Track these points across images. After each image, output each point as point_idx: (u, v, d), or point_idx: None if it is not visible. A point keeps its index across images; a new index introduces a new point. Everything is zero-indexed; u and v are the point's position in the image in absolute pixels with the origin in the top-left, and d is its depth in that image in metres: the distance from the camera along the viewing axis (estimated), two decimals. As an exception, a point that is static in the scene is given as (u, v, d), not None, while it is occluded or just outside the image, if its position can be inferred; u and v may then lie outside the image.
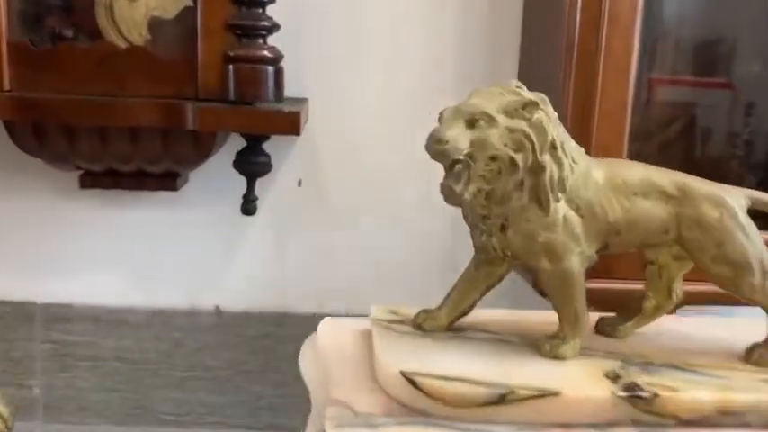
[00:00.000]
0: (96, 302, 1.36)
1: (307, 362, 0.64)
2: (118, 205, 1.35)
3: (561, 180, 0.58)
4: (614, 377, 0.57)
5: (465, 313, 0.65)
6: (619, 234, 0.61)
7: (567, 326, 0.61)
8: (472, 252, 0.64)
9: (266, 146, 1.21)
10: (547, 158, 0.58)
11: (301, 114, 1.17)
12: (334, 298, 1.30)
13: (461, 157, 0.56)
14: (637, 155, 1.07)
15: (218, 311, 1.36)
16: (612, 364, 0.60)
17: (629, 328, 0.66)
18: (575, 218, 0.59)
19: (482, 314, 0.68)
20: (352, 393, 0.56)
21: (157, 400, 1.39)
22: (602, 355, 0.62)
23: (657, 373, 0.59)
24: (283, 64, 1.18)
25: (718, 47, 1.14)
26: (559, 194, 0.59)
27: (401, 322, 0.65)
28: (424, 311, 0.65)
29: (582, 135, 0.97)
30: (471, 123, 0.56)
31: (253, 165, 1.24)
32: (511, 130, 0.56)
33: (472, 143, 0.56)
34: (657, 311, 0.66)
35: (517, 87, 0.58)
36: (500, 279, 0.64)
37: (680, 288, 0.66)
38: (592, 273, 0.61)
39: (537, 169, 0.58)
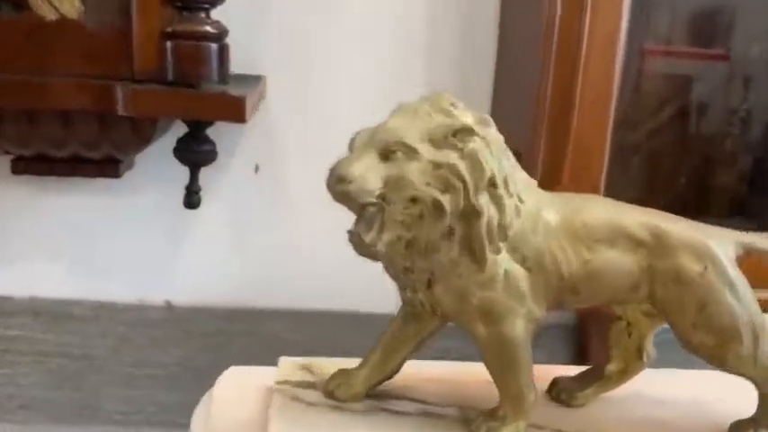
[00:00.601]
0: (37, 295, 1.28)
1: (196, 425, 0.52)
2: (57, 192, 1.26)
3: (502, 226, 0.46)
4: (561, 475, 0.46)
5: (389, 376, 0.53)
6: (576, 292, 0.49)
7: (508, 405, 0.49)
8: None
9: (219, 127, 1.10)
10: (483, 200, 0.45)
11: (249, 98, 1.05)
12: (292, 294, 1.22)
13: (373, 200, 0.43)
14: (623, 140, 0.98)
15: (168, 306, 1.28)
16: (562, 453, 0.48)
17: (590, 395, 0.55)
18: (519, 272, 0.47)
19: (416, 371, 0.56)
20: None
21: (105, 398, 1.33)
22: (552, 435, 0.50)
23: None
24: (236, 36, 1.05)
25: (715, 17, 1.06)
26: (500, 244, 0.46)
27: (311, 386, 0.53)
28: (340, 374, 0.54)
29: (561, 119, 0.89)
30: (386, 155, 0.44)
31: (195, 153, 1.12)
32: (436, 165, 0.44)
33: (386, 181, 0.44)
34: (624, 376, 0.55)
35: (450, 105, 0.45)
36: (431, 335, 0.52)
37: (651, 348, 0.54)
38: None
39: (470, 214, 0.45)
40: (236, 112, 1.04)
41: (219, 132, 1.13)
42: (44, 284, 1.28)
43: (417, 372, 0.56)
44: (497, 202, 0.46)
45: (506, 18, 1.08)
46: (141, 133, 1.11)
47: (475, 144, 0.45)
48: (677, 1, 1.05)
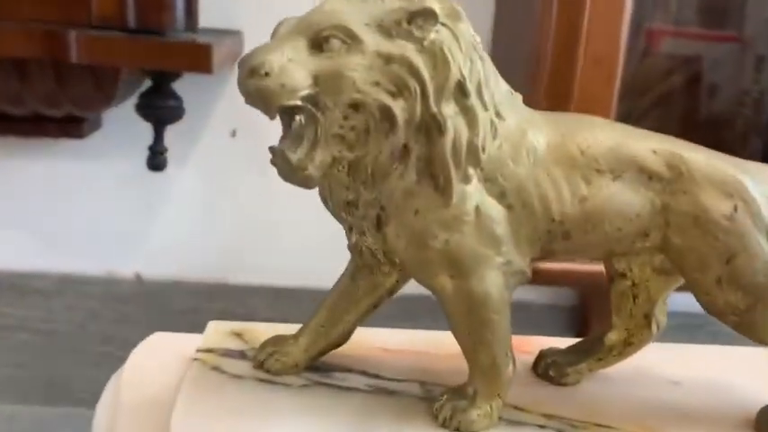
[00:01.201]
0: None
1: (101, 412, 0.42)
2: (17, 156, 1.19)
3: (473, 147, 0.35)
4: (544, 470, 0.35)
5: (335, 345, 0.43)
6: (568, 237, 0.38)
7: (480, 379, 0.38)
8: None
9: (192, 88, 1.02)
10: (449, 110, 0.34)
11: (217, 47, 0.96)
12: (272, 269, 1.14)
13: (298, 103, 0.33)
14: (628, 112, 0.91)
15: (138, 279, 1.22)
16: (546, 442, 0.37)
17: (584, 371, 0.44)
18: (496, 210, 0.36)
19: (369, 340, 0.45)
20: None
21: (71, 377, 1.26)
22: (537, 422, 0.39)
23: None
24: None
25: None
26: (470, 170, 0.36)
27: (241, 355, 0.43)
28: (274, 341, 0.43)
29: (562, 82, 0.82)
30: (318, 44, 0.33)
31: (159, 109, 1.04)
32: (386, 59, 0.33)
33: (318, 79, 0.33)
34: (627, 349, 0.44)
35: None
36: (390, 294, 0.42)
37: (663, 314, 0.43)
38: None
39: (430, 127, 0.35)
40: (202, 61, 0.96)
41: (193, 93, 1.06)
42: (5, 255, 1.22)
43: (370, 341, 0.45)
44: (467, 114, 0.35)
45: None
46: (103, 88, 1.03)
47: (439, 35, 0.34)
48: None
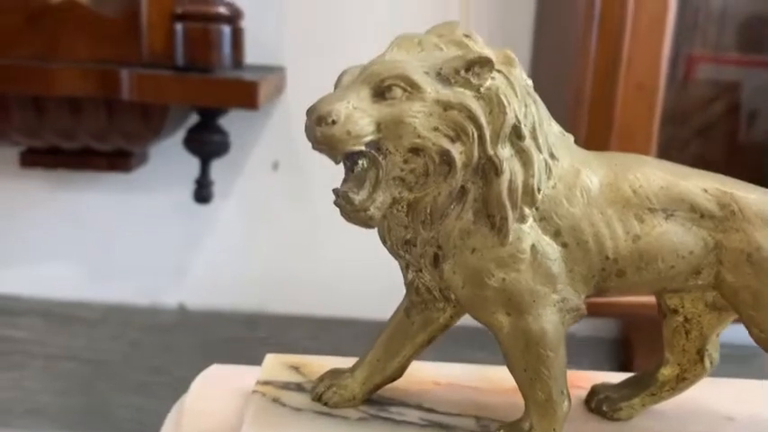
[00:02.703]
0: (45, 295, 1.26)
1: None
2: (66, 188, 1.23)
3: (528, 187, 0.36)
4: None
5: (392, 379, 0.44)
6: (622, 275, 0.39)
7: (536, 415, 0.39)
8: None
9: (237, 121, 1.05)
10: (505, 153, 0.36)
11: (262, 84, 0.98)
12: (314, 298, 1.16)
13: (363, 149, 0.34)
14: (669, 140, 0.91)
15: (182, 309, 1.24)
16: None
17: (637, 406, 0.44)
18: (551, 248, 0.37)
19: (423, 374, 0.46)
20: None
21: (115, 406, 1.27)
22: (591, 456, 0.40)
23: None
24: (254, 25, 1.00)
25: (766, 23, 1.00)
26: (526, 210, 0.37)
27: (299, 388, 0.44)
28: (332, 375, 0.44)
29: (603, 110, 0.82)
30: (381, 93, 0.35)
31: (206, 144, 1.06)
32: (445, 106, 0.35)
33: (381, 125, 0.34)
34: (680, 384, 0.44)
35: (465, 37, 0.36)
36: (444, 329, 0.43)
37: (715, 350, 0.44)
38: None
39: (487, 170, 0.36)
40: (247, 98, 0.98)
41: (237, 127, 1.08)
42: (52, 284, 1.25)
43: (425, 375, 0.46)
44: (523, 155, 0.36)
45: (542, 5, 1.00)
46: (151, 123, 1.06)
47: (495, 81, 0.35)
48: (727, 7, 1.00)
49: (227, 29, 1.00)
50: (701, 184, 0.39)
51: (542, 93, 0.38)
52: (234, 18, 1.01)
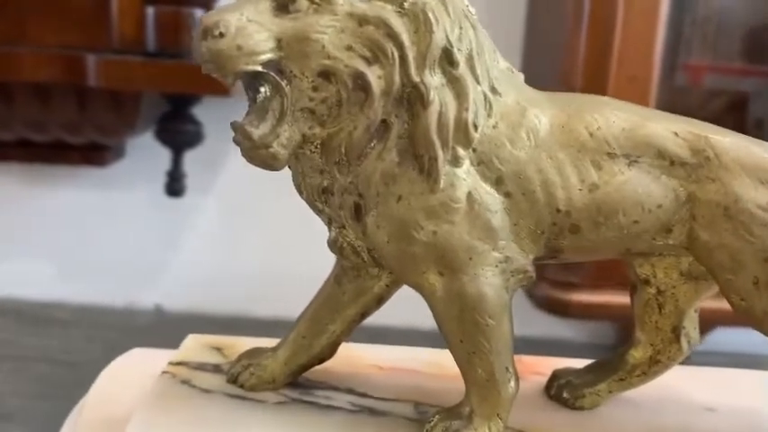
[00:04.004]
0: (16, 295, 1.22)
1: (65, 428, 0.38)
2: (39, 183, 1.19)
3: (462, 123, 0.31)
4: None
5: (320, 360, 0.38)
6: (577, 231, 0.33)
7: (476, 396, 0.33)
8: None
9: (211, 113, 1.01)
10: (434, 81, 0.30)
11: None
12: (298, 299, 1.12)
13: (258, 68, 0.29)
14: None
15: (158, 310, 1.20)
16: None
17: (603, 393, 0.38)
18: (491, 197, 0.32)
19: (357, 355, 0.41)
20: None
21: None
22: (543, 449, 0.34)
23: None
24: None
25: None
26: (460, 151, 0.31)
27: (215, 369, 0.38)
28: (250, 354, 0.38)
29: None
30: (284, 5, 0.29)
31: (178, 134, 1.02)
32: (361, 20, 0.29)
33: (281, 42, 0.29)
34: (653, 368, 0.38)
35: None
36: (379, 301, 0.37)
37: (694, 328, 0.38)
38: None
39: (414, 100, 0.30)
40: (220, 84, 0.94)
41: (211, 118, 1.03)
42: (24, 284, 1.22)
43: (364, 358, 0.40)
44: (455, 85, 0.31)
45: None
46: (124, 114, 1.02)
47: None
48: (732, 17, 0.97)
49: (200, 13, 0.97)
50: (671, 127, 0.33)
51: (534, 86, 0.33)
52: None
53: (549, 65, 0.89)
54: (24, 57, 0.94)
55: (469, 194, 0.31)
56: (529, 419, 0.36)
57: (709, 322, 0.89)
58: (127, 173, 1.16)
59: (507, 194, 0.32)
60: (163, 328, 1.18)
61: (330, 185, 0.32)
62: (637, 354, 0.38)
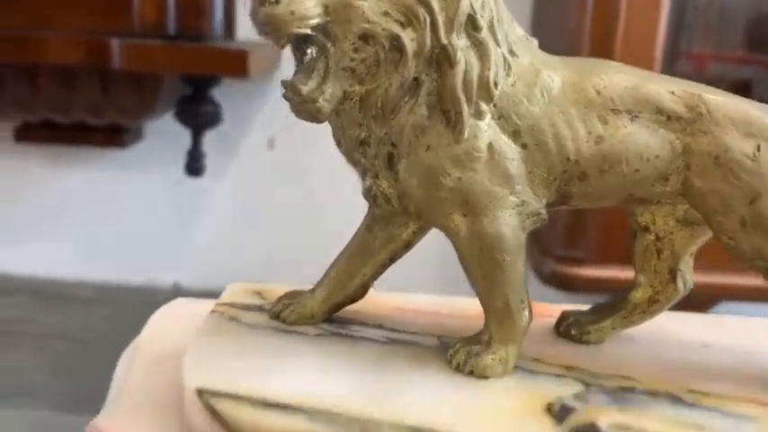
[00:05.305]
0: (38, 274, 1.24)
1: (120, 368, 0.42)
2: (61, 165, 1.23)
3: (485, 81, 0.35)
4: (560, 412, 0.34)
5: (353, 299, 0.43)
6: (585, 179, 0.37)
7: (494, 324, 0.38)
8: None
9: (229, 96, 1.07)
10: (460, 43, 0.34)
11: (253, 54, 0.98)
12: (312, 278, 1.16)
13: (308, 32, 0.33)
14: None
15: (176, 288, 1.23)
16: (564, 390, 0.36)
17: (607, 329, 0.43)
18: (509, 148, 0.36)
19: (387, 300, 0.45)
20: (131, 418, 0.34)
21: (108, 386, 1.26)
22: (555, 372, 0.38)
23: (636, 405, 0.35)
24: None
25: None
26: (482, 105, 0.35)
27: (259, 309, 0.43)
28: (290, 294, 0.43)
29: None
30: None
31: (197, 115, 1.06)
32: None
33: (327, 8, 0.33)
34: (652, 306, 0.42)
35: None
36: (406, 247, 0.41)
37: (689, 272, 0.42)
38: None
39: (441, 59, 0.35)
40: (238, 66, 0.98)
41: (230, 100, 1.07)
42: (45, 263, 1.24)
43: (387, 302, 0.45)
44: (479, 47, 0.35)
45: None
46: (145, 96, 1.06)
47: None
48: (734, 5, 0.99)
49: (218, -1, 1.00)
50: (668, 87, 0.37)
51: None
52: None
53: (554, 52, 0.93)
54: (50, 41, 0.97)
55: (490, 145, 0.36)
56: (541, 350, 0.40)
57: (712, 297, 0.92)
58: (145, 155, 1.19)
59: (523, 145, 0.36)
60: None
61: (367, 137, 0.37)
62: (638, 294, 0.42)
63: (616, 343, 0.43)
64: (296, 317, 0.42)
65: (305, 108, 0.35)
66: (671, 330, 0.44)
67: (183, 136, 1.09)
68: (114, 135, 1.13)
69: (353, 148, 0.37)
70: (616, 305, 0.43)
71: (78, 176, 1.21)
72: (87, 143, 1.14)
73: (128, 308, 1.25)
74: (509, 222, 0.36)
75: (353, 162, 0.39)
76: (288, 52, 1.21)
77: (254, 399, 0.33)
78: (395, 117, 0.35)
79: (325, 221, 1.12)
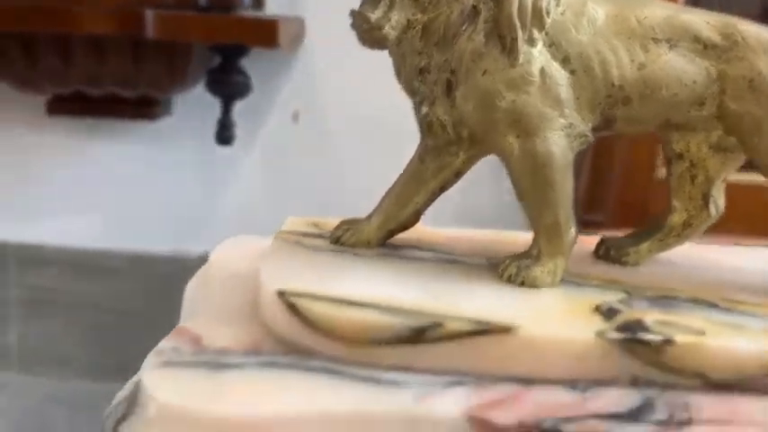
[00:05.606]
0: (71, 244, 1.26)
1: (189, 291, 0.46)
2: (91, 137, 1.25)
3: (538, 9, 0.38)
4: (608, 312, 0.37)
5: (406, 226, 0.46)
6: (628, 103, 0.40)
7: (544, 239, 0.41)
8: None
9: (258, 66, 1.08)
10: None
11: (282, 24, 1.01)
12: None
13: None
14: None
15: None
16: (609, 297, 0.39)
17: (644, 251, 0.46)
18: (559, 73, 0.39)
19: (438, 230, 0.48)
20: (211, 321, 0.38)
21: (140, 354, 1.29)
22: (598, 284, 0.41)
23: (677, 309, 0.38)
24: None
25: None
26: (535, 33, 0.38)
27: (319, 236, 0.46)
28: (348, 222, 0.46)
29: None
30: None
31: (228, 85, 1.09)
32: None
33: None
34: (687, 230, 0.45)
35: None
36: (457, 176, 0.44)
37: (721, 197, 0.45)
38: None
39: None
40: (267, 36, 1.01)
41: (258, 71, 1.10)
42: (78, 234, 1.26)
43: (439, 232, 0.48)
44: (531, -21, 0.38)
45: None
46: (175, 66, 1.09)
47: None
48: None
49: (247, -30, 1.02)
50: (704, 17, 0.40)
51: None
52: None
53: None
54: (84, 12, 1.00)
55: (542, 70, 0.39)
56: (583, 269, 0.43)
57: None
58: (175, 127, 1.22)
59: (572, 71, 0.40)
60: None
61: (427, 65, 0.40)
62: (673, 219, 0.45)
63: (652, 265, 0.46)
64: (355, 240, 0.45)
65: (371, 35, 0.38)
66: (704, 256, 0.47)
67: (211, 108, 1.11)
68: (144, 107, 1.16)
69: (413, 77, 0.41)
70: (652, 230, 0.46)
71: (109, 149, 1.23)
72: (118, 116, 1.17)
73: (157, 278, 1.27)
74: (558, 143, 0.39)
75: (412, 91, 0.42)
76: (311, 26, 1.25)
77: (330, 297, 0.36)
78: (455, 44, 0.39)
79: (352, 194, 1.15)
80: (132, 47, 1.05)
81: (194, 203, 1.25)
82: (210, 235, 1.24)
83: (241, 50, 1.07)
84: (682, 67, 0.40)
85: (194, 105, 1.18)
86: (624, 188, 0.93)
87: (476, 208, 1.05)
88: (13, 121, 1.23)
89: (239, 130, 1.15)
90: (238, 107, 1.13)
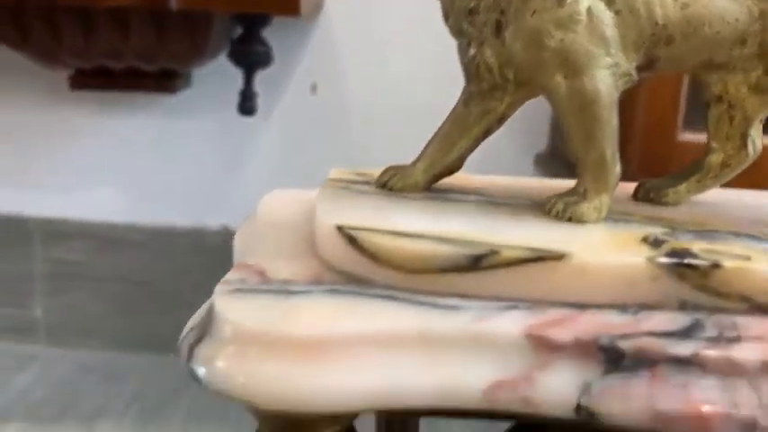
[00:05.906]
0: (94, 218, 1.28)
1: (238, 238, 0.47)
2: (113, 111, 1.26)
3: (584, -49, 0.39)
4: (655, 242, 0.38)
5: (451, 170, 0.47)
6: (671, 43, 0.41)
7: (590, 176, 0.42)
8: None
9: (279, 36, 1.10)
10: None
11: None
12: None
13: None
14: None
15: (225, 231, 1.27)
16: (655, 230, 0.41)
17: (682, 191, 0.47)
18: (605, 13, 0.40)
19: (478, 177, 0.49)
20: (270, 258, 0.39)
21: (162, 326, 1.33)
22: (641, 220, 0.43)
23: (720, 240, 0.39)
24: None
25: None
26: (581, -26, 0.40)
27: (365, 183, 0.48)
28: (394, 167, 0.48)
29: None
30: None
31: (250, 54, 1.10)
32: None
33: None
34: (724, 169, 0.47)
35: None
36: (500, 121, 0.46)
37: (759, 137, 0.46)
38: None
39: None
40: (290, 3, 1.02)
41: (279, 41, 1.11)
42: (101, 207, 1.28)
43: (481, 176, 0.49)
44: None
45: None
46: (197, 38, 1.10)
47: None
48: None
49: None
50: (747, -43, 0.41)
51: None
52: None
53: None
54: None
55: (589, 9, 0.40)
56: (625, 209, 0.45)
57: None
58: (195, 99, 1.23)
59: (617, 12, 0.41)
60: (230, 249, 1.26)
61: (476, 6, 0.41)
62: (711, 159, 0.47)
63: (692, 206, 0.47)
64: (402, 184, 0.46)
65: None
66: (742, 199, 0.48)
67: (231, 81, 1.12)
68: (165, 80, 1.17)
69: (462, 18, 0.42)
70: (690, 171, 0.47)
71: (130, 122, 1.25)
72: (139, 89, 1.18)
73: (179, 250, 1.29)
74: (605, 80, 0.41)
75: (460, 33, 0.43)
76: (333, 9, 1.24)
77: (386, 230, 0.38)
78: (504, -16, 0.40)
79: (373, 156, 1.16)
80: (154, 20, 1.06)
81: (215, 176, 1.26)
82: (231, 207, 1.26)
83: (263, 20, 1.08)
84: (724, 5, 0.41)
85: (213, 78, 1.19)
86: (646, 150, 0.93)
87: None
88: (36, 96, 1.25)
89: (261, 100, 1.16)
90: (259, 78, 1.15)
